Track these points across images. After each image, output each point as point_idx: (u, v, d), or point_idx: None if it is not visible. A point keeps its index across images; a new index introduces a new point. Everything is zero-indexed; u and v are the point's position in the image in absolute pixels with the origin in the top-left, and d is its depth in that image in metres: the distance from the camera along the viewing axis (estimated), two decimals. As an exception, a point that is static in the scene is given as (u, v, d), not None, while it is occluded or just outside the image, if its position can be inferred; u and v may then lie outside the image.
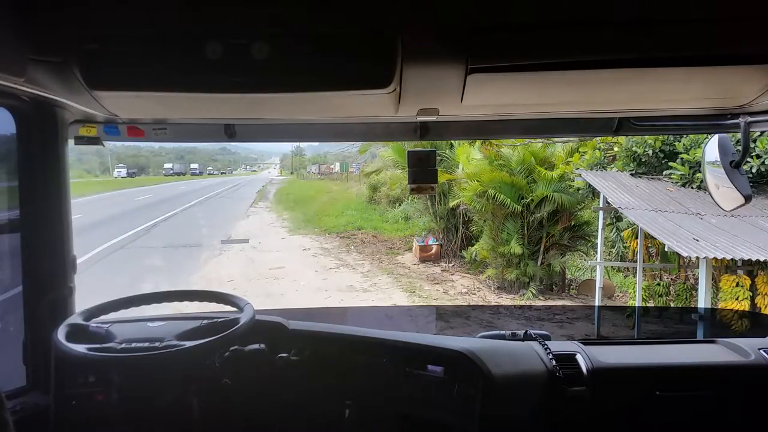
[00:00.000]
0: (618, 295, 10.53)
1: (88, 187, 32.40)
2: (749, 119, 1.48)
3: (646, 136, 8.18)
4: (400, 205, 17.85)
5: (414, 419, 1.86)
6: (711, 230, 6.54)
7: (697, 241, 6.12)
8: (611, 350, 1.93)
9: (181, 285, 9.18)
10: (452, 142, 11.73)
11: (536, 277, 10.40)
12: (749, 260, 6.01)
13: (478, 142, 10.84)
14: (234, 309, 1.76)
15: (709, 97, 1.40)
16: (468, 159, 10.97)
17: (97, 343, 1.55)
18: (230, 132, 1.84)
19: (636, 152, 8.47)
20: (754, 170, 7.23)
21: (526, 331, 2.00)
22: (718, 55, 1.08)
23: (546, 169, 10.25)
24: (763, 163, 7.28)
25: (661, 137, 8.17)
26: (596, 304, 8.51)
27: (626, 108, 1.65)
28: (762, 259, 5.80)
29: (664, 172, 8.40)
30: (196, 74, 1.07)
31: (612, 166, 9.26)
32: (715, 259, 6.09)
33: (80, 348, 1.48)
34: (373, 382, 1.86)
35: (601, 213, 8.50)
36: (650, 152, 8.38)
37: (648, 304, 7.88)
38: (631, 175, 8.59)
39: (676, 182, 8.14)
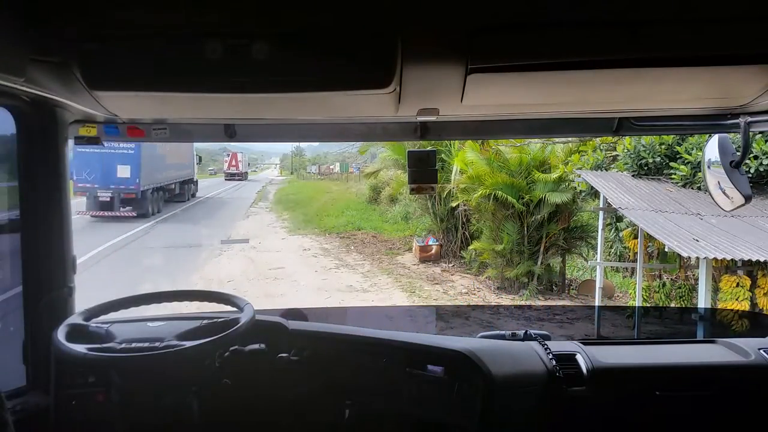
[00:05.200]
0: (618, 296, 10.53)
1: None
2: (749, 119, 1.48)
3: (653, 141, 8.19)
4: (401, 203, 17.82)
5: (414, 419, 1.86)
6: (711, 230, 6.54)
7: (697, 241, 6.12)
8: (611, 350, 1.93)
9: (181, 285, 9.18)
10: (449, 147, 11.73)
11: (536, 277, 10.40)
12: (749, 260, 6.01)
13: (474, 144, 10.83)
14: (234, 309, 1.76)
15: (709, 97, 1.40)
16: (465, 162, 10.95)
17: (97, 343, 1.55)
18: (230, 132, 1.84)
19: (644, 158, 8.45)
20: (752, 171, 7.23)
21: (526, 331, 2.00)
22: (718, 55, 1.07)
23: (544, 171, 10.24)
24: (761, 164, 7.28)
25: (666, 141, 8.16)
26: (596, 304, 8.51)
27: (626, 108, 1.65)
28: (762, 259, 5.80)
29: (664, 172, 8.39)
30: (196, 74, 1.08)
31: (613, 166, 9.26)
32: (716, 259, 6.09)
33: (80, 348, 1.48)
34: (373, 382, 1.86)
35: (601, 213, 8.50)
36: (658, 159, 8.37)
37: (649, 305, 7.88)
38: (633, 176, 8.59)
39: (677, 182, 8.13)
